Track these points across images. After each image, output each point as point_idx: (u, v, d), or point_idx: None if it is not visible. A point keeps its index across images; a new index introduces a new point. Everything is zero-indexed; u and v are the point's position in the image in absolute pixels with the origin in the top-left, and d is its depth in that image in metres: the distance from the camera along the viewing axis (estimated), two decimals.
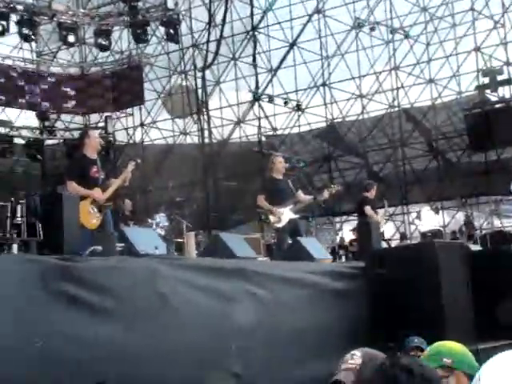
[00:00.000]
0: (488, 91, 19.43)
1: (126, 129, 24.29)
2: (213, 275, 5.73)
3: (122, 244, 6.59)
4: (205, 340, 5.38)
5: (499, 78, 19.18)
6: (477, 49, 21.51)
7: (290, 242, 10.24)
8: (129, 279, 5.13)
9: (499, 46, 21.66)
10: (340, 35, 23.60)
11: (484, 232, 18.48)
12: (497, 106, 19.17)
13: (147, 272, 5.23)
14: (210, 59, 21.37)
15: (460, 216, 22.10)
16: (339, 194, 11.58)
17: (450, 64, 22.80)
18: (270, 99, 22.67)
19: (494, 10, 21.87)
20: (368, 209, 12.11)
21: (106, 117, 19.19)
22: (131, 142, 24.21)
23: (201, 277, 5.62)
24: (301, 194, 10.50)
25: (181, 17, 19.94)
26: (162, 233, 12.73)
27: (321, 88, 23.53)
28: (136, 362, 5.03)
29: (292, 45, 23.99)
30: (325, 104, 23.34)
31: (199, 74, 21.64)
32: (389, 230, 22.94)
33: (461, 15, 22.38)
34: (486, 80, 19.24)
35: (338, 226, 23.78)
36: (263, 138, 23.37)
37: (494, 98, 19.51)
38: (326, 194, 10.71)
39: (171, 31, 18.11)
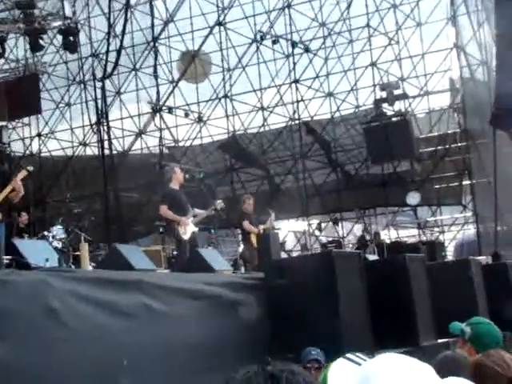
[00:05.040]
0: (385, 105, 19.94)
1: (23, 139, 23.61)
2: (106, 288, 5.58)
3: (9, 257, 6.34)
4: (96, 355, 5.23)
5: (396, 92, 19.73)
6: (373, 64, 22.09)
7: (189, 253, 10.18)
8: (16, 293, 4.92)
9: (394, 62, 22.33)
10: (241, 48, 23.76)
11: (381, 242, 18.90)
12: (394, 119, 19.69)
13: (35, 285, 5.02)
14: (109, 69, 21.03)
15: (358, 227, 22.57)
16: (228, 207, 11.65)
17: (348, 78, 23.34)
18: (170, 110, 22.56)
19: (389, 27, 22.56)
20: (245, 223, 12.21)
21: (0, 127, 18.59)
22: (28, 152, 23.54)
23: (93, 289, 5.46)
24: (195, 209, 10.56)
25: (79, 26, 19.58)
26: (59, 245, 12.38)
27: (222, 100, 23.58)
28: (24, 381, 4.82)
29: (193, 56, 23.95)
30: (226, 116, 23.41)
31: (99, 85, 21.26)
32: (290, 241, 23.21)
33: (357, 31, 22.96)
34: (384, 94, 19.74)
35: (240, 237, 23.81)
36: (165, 150, 23.19)
37: (389, 112, 20.03)
38: (209, 211, 10.84)
39: (69, 40, 17.74)
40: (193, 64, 23.61)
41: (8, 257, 6.38)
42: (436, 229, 22.63)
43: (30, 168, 7.89)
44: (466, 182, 20.42)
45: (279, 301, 7.72)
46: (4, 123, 18.80)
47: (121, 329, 5.56)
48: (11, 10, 18.38)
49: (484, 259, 14.09)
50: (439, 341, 8.75)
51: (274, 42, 22.10)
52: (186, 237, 10.25)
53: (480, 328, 4.30)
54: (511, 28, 13.68)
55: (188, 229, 10.26)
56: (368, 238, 19.71)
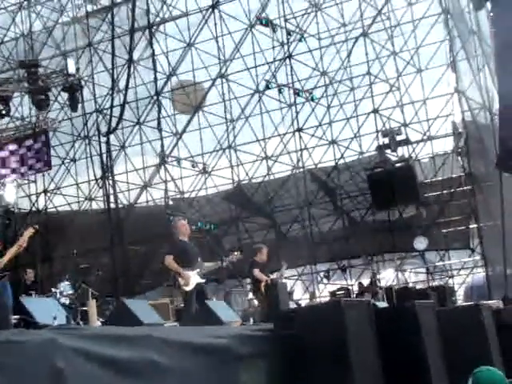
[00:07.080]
0: (388, 151, 20.03)
1: (29, 196, 23.71)
2: (114, 345, 5.51)
3: (18, 316, 6.31)
4: None
5: (398, 138, 19.84)
6: (375, 111, 22.25)
7: (197, 305, 10.12)
8: (22, 353, 4.86)
9: (396, 109, 22.51)
10: (244, 99, 24.00)
11: (390, 288, 18.76)
12: (397, 165, 19.75)
13: (42, 345, 4.97)
14: (114, 124, 21.22)
15: (367, 273, 22.44)
16: (242, 258, 11.61)
17: (351, 125, 23.50)
18: (178, 162, 22.71)
19: (390, 74, 22.81)
20: (256, 271, 12.23)
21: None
22: (34, 209, 23.61)
23: (100, 347, 5.40)
24: (204, 263, 10.53)
25: (83, 82, 19.82)
26: (67, 302, 12.33)
27: (226, 150, 23.72)
28: None
29: (196, 109, 24.18)
30: (231, 166, 23.51)
31: (103, 139, 21.43)
32: (298, 289, 23.06)
33: (359, 79, 23.21)
34: (386, 140, 19.85)
35: (249, 287, 23.69)
36: (170, 202, 23.24)
37: (393, 158, 20.11)
38: (226, 261, 10.83)
39: (73, 97, 17.96)
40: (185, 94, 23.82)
41: (16, 316, 6.37)
42: (445, 273, 22.48)
43: (36, 226, 7.94)
44: (472, 226, 20.36)
45: (289, 352, 7.62)
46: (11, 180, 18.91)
47: None
48: (15, 70, 18.66)
49: (495, 303, 13.95)
50: None
51: (279, 91, 22.32)
52: (189, 288, 10.20)
53: (479, 376, 4.25)
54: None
55: (191, 280, 10.21)
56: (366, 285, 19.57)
